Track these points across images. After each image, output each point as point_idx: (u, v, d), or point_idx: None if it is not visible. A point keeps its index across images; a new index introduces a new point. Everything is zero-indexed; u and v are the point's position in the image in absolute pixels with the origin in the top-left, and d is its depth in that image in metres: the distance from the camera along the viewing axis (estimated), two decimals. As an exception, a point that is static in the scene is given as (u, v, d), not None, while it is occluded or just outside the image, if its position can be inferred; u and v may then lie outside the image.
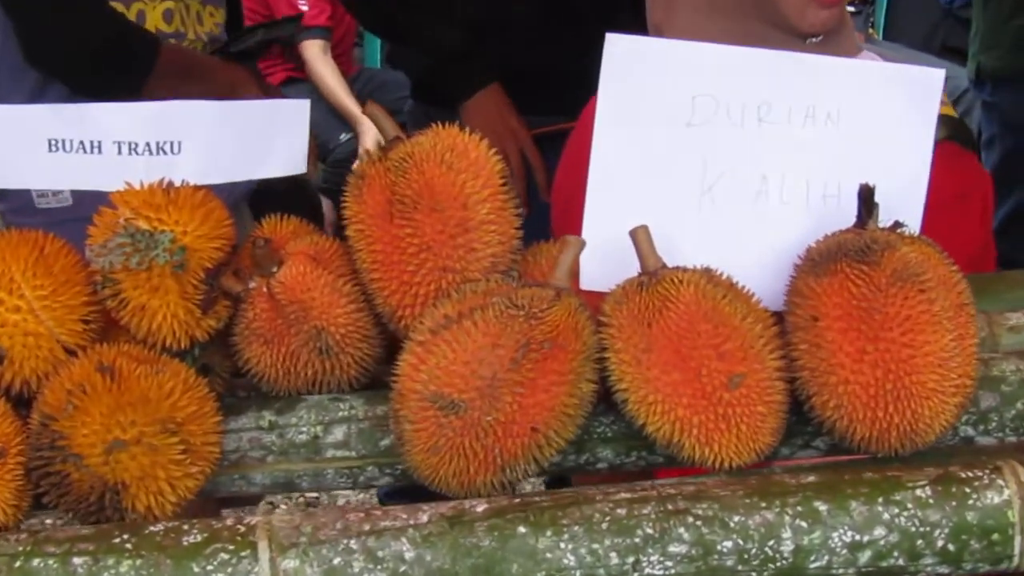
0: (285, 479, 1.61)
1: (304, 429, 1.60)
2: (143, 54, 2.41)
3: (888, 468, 1.45)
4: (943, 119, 2.24)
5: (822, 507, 1.38)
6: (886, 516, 1.38)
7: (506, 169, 1.61)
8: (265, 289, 1.58)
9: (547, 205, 2.58)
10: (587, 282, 1.63)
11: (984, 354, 1.66)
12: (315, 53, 6.27)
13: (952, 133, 2.28)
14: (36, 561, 1.36)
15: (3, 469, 1.47)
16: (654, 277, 1.51)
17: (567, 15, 3.02)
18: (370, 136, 6.18)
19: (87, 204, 1.56)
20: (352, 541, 1.36)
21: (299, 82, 6.38)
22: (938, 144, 2.20)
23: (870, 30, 6.25)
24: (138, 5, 2.47)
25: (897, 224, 1.56)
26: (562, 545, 1.37)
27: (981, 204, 2.35)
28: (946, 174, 2.25)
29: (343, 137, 6.34)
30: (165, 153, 1.57)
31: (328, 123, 6.34)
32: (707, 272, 1.53)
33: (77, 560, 1.36)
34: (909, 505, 1.39)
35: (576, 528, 1.37)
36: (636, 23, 2.42)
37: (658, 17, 2.27)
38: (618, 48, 1.63)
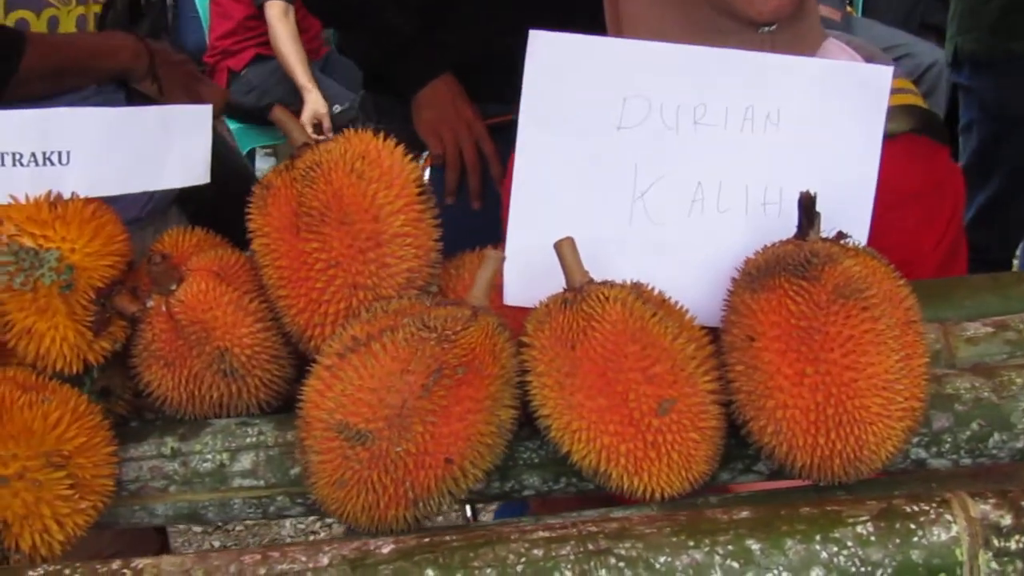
0: (189, 510, 1.51)
1: (209, 456, 1.50)
2: (3, 53, 2.29)
3: (828, 500, 1.35)
4: (912, 110, 2.14)
5: (755, 546, 1.28)
6: (824, 555, 1.27)
7: (422, 178, 1.50)
8: (164, 308, 1.48)
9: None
10: (511, 298, 1.53)
11: (938, 370, 1.56)
12: (275, 14, 6.12)
13: (920, 126, 2.17)
14: (-96, 611, 1.26)
15: None
16: (579, 294, 1.41)
17: (521, 1, 2.91)
18: (308, 112, 6.09)
19: None
20: (246, 587, 1.26)
21: (267, 60, 6.25)
22: (905, 136, 2.11)
23: (848, 7, 6.13)
24: (50, 11, 2.36)
25: (841, 235, 1.45)
26: (473, 589, 1.26)
27: (952, 201, 2.24)
28: (913, 169, 2.16)
29: (336, 108, 6.20)
30: (52, 163, 1.46)
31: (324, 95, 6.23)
32: (636, 288, 1.43)
33: (-52, 610, 1.26)
34: (849, 543, 1.28)
35: (488, 571, 1.27)
36: (594, 9, 2.33)
37: (612, 8, 2.17)
38: (542, 46, 1.52)
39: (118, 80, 2.48)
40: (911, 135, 2.15)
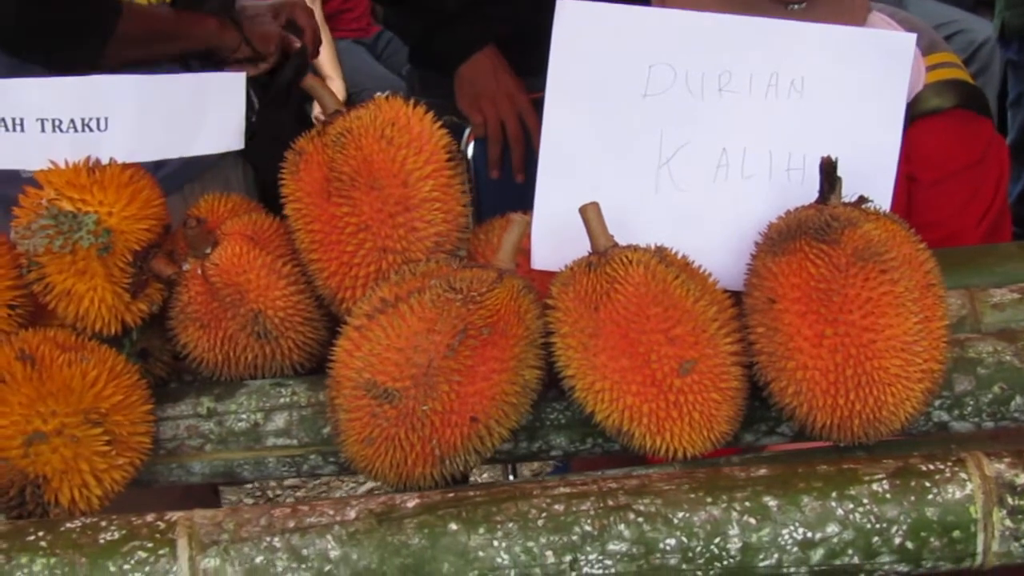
0: (225, 468, 1.55)
1: (244, 416, 1.53)
2: (97, 22, 2.32)
3: (845, 460, 1.37)
4: (957, 85, 2.16)
5: (772, 503, 1.30)
6: (840, 512, 1.30)
7: (452, 144, 1.53)
8: (199, 271, 1.52)
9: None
10: (538, 262, 1.56)
11: (962, 335, 1.57)
12: None
13: (964, 100, 2.18)
14: (-54, 560, 1.30)
15: (-78, 463, 1.41)
16: (603, 257, 1.44)
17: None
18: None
19: None
20: (276, 539, 1.29)
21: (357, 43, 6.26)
22: (951, 112, 2.12)
23: (902, -18, 6.08)
24: None
25: (862, 199, 1.47)
26: (495, 543, 1.29)
27: (997, 171, 2.26)
28: (959, 142, 2.17)
29: (379, 95, 6.19)
30: (91, 130, 1.50)
31: (362, 83, 6.23)
32: (660, 251, 1.45)
33: (-11, 559, 1.30)
34: (865, 500, 1.30)
35: (511, 525, 1.30)
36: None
37: None
38: (569, 14, 1.54)
39: (206, 55, 2.49)
40: (956, 110, 2.17)
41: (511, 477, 3.11)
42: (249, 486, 4.24)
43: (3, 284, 1.48)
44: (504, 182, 3.07)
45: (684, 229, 1.54)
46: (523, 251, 1.55)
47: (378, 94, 4.72)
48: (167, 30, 2.40)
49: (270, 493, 4.28)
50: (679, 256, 1.47)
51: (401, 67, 3.52)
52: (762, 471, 1.35)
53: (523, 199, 1.59)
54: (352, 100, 6.04)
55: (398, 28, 3.40)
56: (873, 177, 1.52)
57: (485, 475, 3.87)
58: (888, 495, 1.30)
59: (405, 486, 1.41)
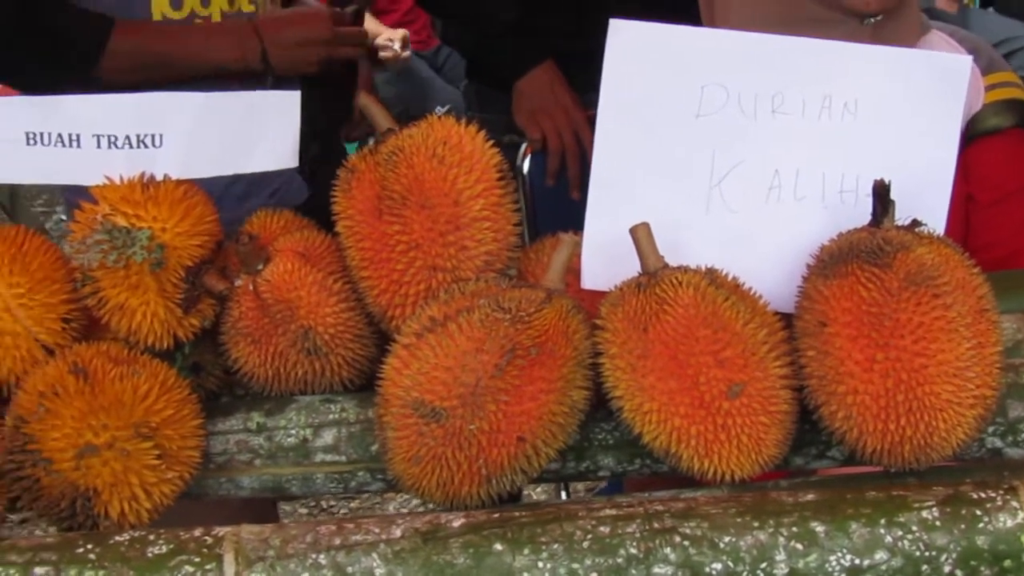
0: (273, 484, 1.55)
1: (293, 432, 1.54)
2: (87, 38, 2.33)
3: (895, 486, 1.36)
4: (1015, 104, 2.14)
5: (819, 528, 1.29)
6: (888, 539, 1.29)
7: (503, 164, 1.53)
8: (251, 287, 1.53)
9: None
10: (588, 281, 1.56)
11: (1017, 359, 1.56)
12: None
13: (1024, 120, 2.17)
14: (-3, 571, 1.32)
15: (-25, 472, 1.43)
16: (653, 278, 1.43)
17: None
18: None
19: None
20: (321, 556, 1.30)
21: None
22: (1008, 131, 2.11)
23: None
24: None
25: (915, 222, 1.46)
26: (540, 564, 1.29)
27: None
28: (1018, 162, 2.15)
29: (439, 111, 6.21)
30: (146, 146, 1.51)
31: (422, 96, 6.25)
32: (710, 273, 1.45)
33: (39, 570, 1.31)
34: (914, 527, 1.29)
35: (556, 546, 1.30)
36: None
37: (709, 4, 2.18)
38: (622, 34, 1.54)
39: (228, 76, 2.48)
40: (1015, 130, 2.15)
41: (563, 494, 3.11)
42: (303, 498, 4.27)
43: (58, 298, 1.50)
44: (559, 198, 3.07)
45: (735, 250, 1.53)
46: (573, 270, 1.55)
47: (437, 108, 4.75)
48: (164, 49, 2.37)
49: (324, 504, 4.30)
50: (730, 278, 1.46)
51: (460, 80, 3.52)
52: (810, 496, 1.34)
53: (579, 215, 1.59)
54: (410, 113, 6.08)
55: (457, 42, 3.42)
56: (927, 200, 1.51)
57: (539, 489, 3.87)
58: (938, 522, 1.29)
59: (452, 505, 1.42)
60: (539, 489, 3.87)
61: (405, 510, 4.12)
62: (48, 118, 1.50)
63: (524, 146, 3.08)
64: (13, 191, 6.46)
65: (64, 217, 2.42)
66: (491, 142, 1.54)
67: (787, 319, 1.47)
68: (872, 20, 2.00)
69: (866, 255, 1.39)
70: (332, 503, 4.31)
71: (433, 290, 1.49)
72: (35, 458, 1.40)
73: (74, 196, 1.52)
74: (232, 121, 1.56)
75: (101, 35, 2.35)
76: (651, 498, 1.38)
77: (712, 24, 2.17)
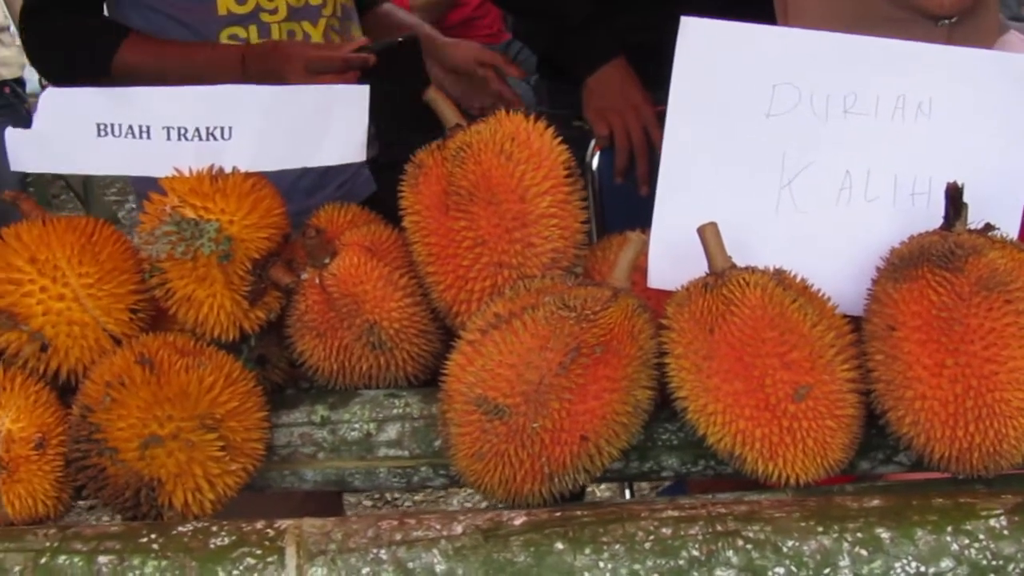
0: (337, 477, 1.56)
1: (357, 426, 1.54)
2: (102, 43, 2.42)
3: (963, 493, 1.34)
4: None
5: (884, 534, 1.28)
6: (955, 547, 1.27)
7: (571, 160, 1.52)
8: (317, 281, 1.53)
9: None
10: (655, 280, 1.55)
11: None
12: None
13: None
14: (62, 559, 1.33)
15: (42, 460, 1.45)
16: (720, 278, 1.42)
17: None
18: None
19: None
20: (382, 551, 1.30)
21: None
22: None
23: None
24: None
25: (988, 226, 1.44)
26: (601, 564, 1.29)
27: None
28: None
29: None
30: (215, 138, 1.52)
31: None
32: (778, 274, 1.43)
33: (102, 559, 1.32)
34: (981, 536, 1.27)
35: (617, 547, 1.29)
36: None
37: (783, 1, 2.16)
38: (693, 31, 1.53)
39: None
40: None
41: (628, 493, 3.09)
42: (368, 490, 4.28)
43: (126, 288, 1.51)
44: (628, 195, 3.05)
45: (804, 251, 1.51)
46: (640, 269, 1.54)
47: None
48: (161, 66, 2.38)
49: (388, 496, 4.31)
50: (798, 279, 1.45)
51: (531, 74, 3.52)
52: (875, 502, 1.32)
53: (647, 212, 1.58)
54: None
55: (527, 38, 3.41)
56: (1001, 203, 1.49)
57: (603, 487, 3.86)
58: (1006, 531, 1.27)
59: (514, 502, 1.41)
60: (603, 487, 3.85)
61: (469, 504, 4.13)
62: (119, 109, 1.51)
63: (593, 143, 3.07)
64: (87, 180, 6.54)
65: (136, 206, 2.47)
66: (559, 138, 1.53)
67: (856, 322, 1.45)
68: (947, 21, 1.98)
69: (937, 259, 1.38)
70: (396, 496, 4.32)
71: (499, 287, 1.49)
72: (101, 447, 1.41)
73: (144, 186, 1.52)
74: (300, 114, 1.56)
75: (111, 47, 2.41)
76: (714, 500, 1.37)
77: (786, 21, 2.15)
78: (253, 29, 2.40)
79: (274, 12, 2.40)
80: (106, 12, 2.53)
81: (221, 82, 1.52)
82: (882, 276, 1.43)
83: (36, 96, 4.12)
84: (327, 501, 2.28)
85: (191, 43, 2.41)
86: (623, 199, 3.05)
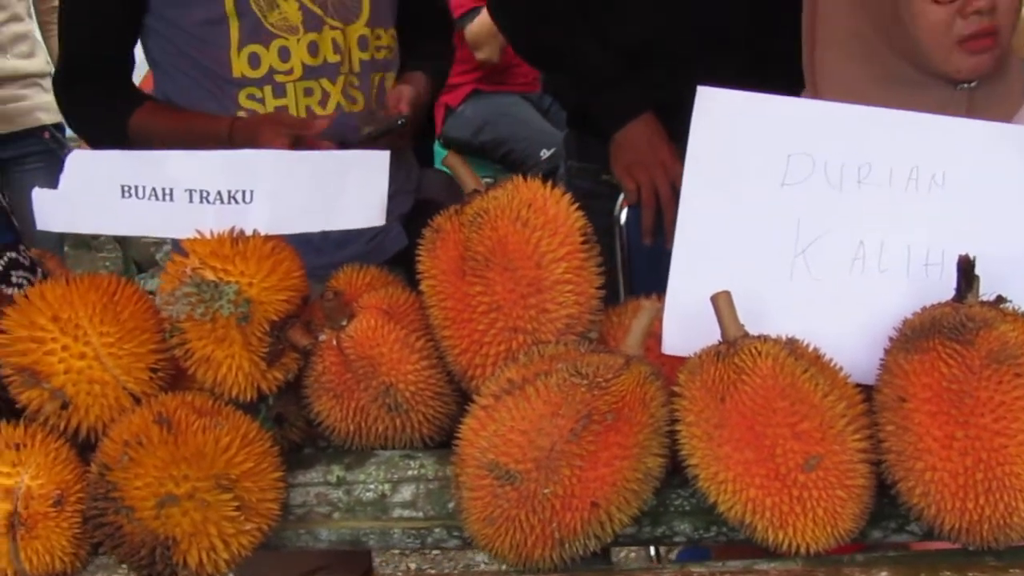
0: (351, 537, 1.57)
1: (372, 486, 1.56)
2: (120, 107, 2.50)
3: (973, 566, 1.34)
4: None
5: (892, 607, 1.28)
6: (963, 620, 1.27)
7: (587, 227, 1.54)
8: (334, 343, 1.55)
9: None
10: (669, 347, 1.56)
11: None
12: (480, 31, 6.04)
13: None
14: (75, 618, 1.35)
15: (60, 517, 1.47)
16: (732, 347, 1.43)
17: (722, 43, 2.93)
18: None
19: None
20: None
21: (485, 95, 6.31)
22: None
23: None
24: (279, 42, 2.44)
25: (1000, 299, 1.45)
26: (608, 632, 1.29)
27: None
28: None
29: (544, 153, 6.19)
30: (236, 202, 1.55)
31: (529, 138, 6.24)
32: (790, 343, 1.44)
33: (116, 618, 1.34)
34: (989, 609, 1.28)
35: (624, 615, 1.30)
36: (791, 53, 2.33)
37: (811, 59, 2.18)
38: (709, 101, 1.55)
39: None
40: None
41: (652, 551, 3.09)
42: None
43: (146, 347, 1.53)
44: (657, 249, 3.06)
45: (818, 319, 1.52)
46: (655, 334, 1.55)
47: (542, 152, 4.70)
48: (176, 134, 2.42)
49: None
50: (810, 348, 1.46)
51: (562, 128, 3.53)
52: (884, 572, 1.34)
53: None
54: (516, 155, 6.09)
55: (557, 92, 3.42)
56: (1013, 276, 1.49)
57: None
58: (1014, 606, 1.27)
59: (525, 567, 1.42)
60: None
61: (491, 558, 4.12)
62: (143, 172, 1.54)
63: (621, 198, 3.08)
64: (125, 223, 6.56)
65: (173, 251, 2.50)
66: (585, 195, 1.54)
67: (868, 391, 1.46)
68: (966, 86, 1.99)
69: (948, 331, 1.38)
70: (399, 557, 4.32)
71: (513, 351, 1.50)
72: (118, 505, 1.43)
73: (178, 236, 1.56)
74: (321, 178, 1.59)
75: (127, 113, 2.48)
76: (723, 568, 1.38)
77: (813, 81, 2.17)
78: (268, 90, 2.43)
79: (289, 72, 2.43)
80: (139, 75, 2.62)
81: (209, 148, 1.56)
82: (894, 347, 1.44)
83: (76, 141, 4.19)
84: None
85: (193, 113, 2.45)
86: (652, 253, 3.06)
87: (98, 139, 1.56)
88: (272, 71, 2.44)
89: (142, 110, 2.47)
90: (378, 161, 1.60)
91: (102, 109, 2.49)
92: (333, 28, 2.47)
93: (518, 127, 6.39)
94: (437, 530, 1.55)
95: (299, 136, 2.26)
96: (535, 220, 1.51)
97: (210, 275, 1.49)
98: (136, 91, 2.60)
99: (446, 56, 2.94)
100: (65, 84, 2.59)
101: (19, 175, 4.11)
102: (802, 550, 1.41)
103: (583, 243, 1.53)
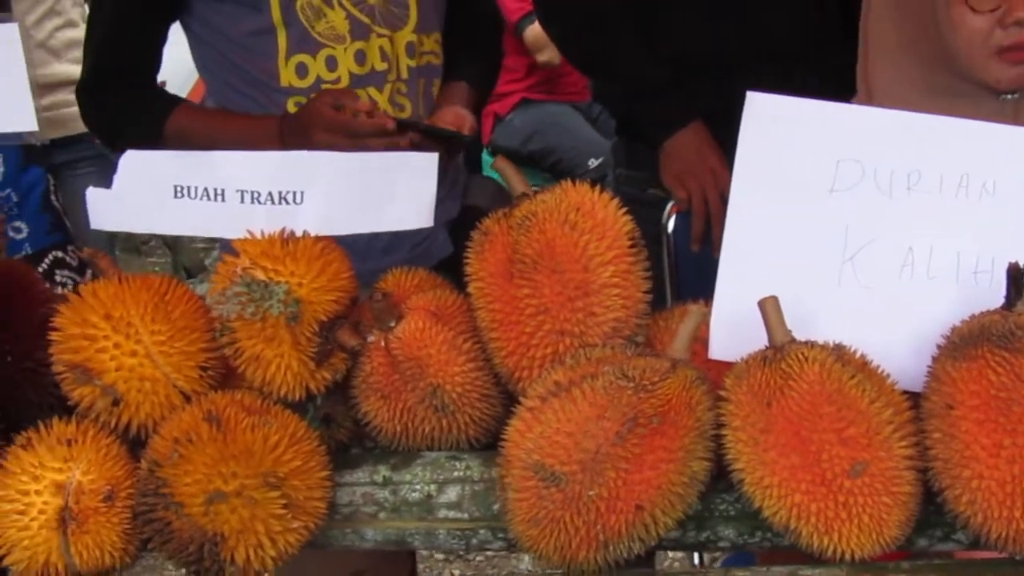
0: (397, 537, 1.58)
1: (418, 487, 1.57)
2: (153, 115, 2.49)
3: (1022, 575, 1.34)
4: None
5: (936, 614, 1.28)
6: (1007, 629, 1.27)
7: (635, 231, 1.54)
8: (382, 344, 1.56)
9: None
10: (716, 352, 1.56)
11: None
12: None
13: None
14: (123, 611, 1.37)
15: (111, 512, 1.49)
16: (779, 352, 1.43)
17: (771, 51, 2.92)
18: None
19: None
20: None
21: (534, 104, 6.32)
22: None
23: None
24: (326, 51, 2.46)
25: (1050, 307, 1.44)
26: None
27: None
28: None
29: (592, 163, 6.17)
30: (287, 203, 1.56)
31: (577, 147, 6.24)
32: (838, 349, 1.44)
33: (164, 612, 1.36)
34: (1034, 619, 1.27)
35: (668, 617, 1.30)
36: (839, 62, 2.33)
37: (865, 68, 2.18)
38: (759, 107, 1.55)
39: None
40: None
41: (696, 556, 3.08)
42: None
43: (197, 346, 1.55)
44: (704, 257, 3.06)
45: (865, 326, 1.52)
46: (701, 339, 1.55)
47: (590, 161, 4.70)
48: (218, 134, 2.43)
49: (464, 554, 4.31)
50: (857, 355, 1.46)
51: (613, 133, 3.52)
52: (928, 581, 1.32)
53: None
54: (564, 164, 6.09)
55: (606, 100, 3.43)
56: (1064, 284, 1.49)
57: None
58: (1059, 615, 1.27)
59: (569, 569, 1.43)
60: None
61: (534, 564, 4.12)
62: (195, 172, 1.55)
63: (669, 206, 3.07)
64: (175, 228, 6.61)
65: (223, 255, 2.54)
66: (633, 203, 1.55)
67: (915, 398, 1.46)
68: (1009, 97, 1.99)
69: (997, 339, 1.38)
70: (468, 554, 4.32)
71: (560, 354, 1.51)
72: (167, 501, 1.45)
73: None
74: (371, 180, 1.60)
75: (163, 115, 2.47)
76: (768, 573, 1.38)
77: (868, 89, 2.16)
78: None
79: (336, 82, 2.43)
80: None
81: (260, 149, 1.57)
82: (942, 354, 1.44)
83: (124, 145, 4.23)
84: (396, 551, 2.30)
85: (235, 114, 2.46)
86: (699, 261, 3.05)
87: (129, 147, 1.57)
88: (319, 80, 2.45)
89: (178, 113, 2.47)
90: (427, 163, 1.61)
91: (134, 115, 2.48)
92: (380, 36, 2.47)
93: (566, 136, 6.39)
94: (482, 531, 1.56)
95: (353, 130, 2.25)
96: (583, 223, 1.52)
97: (261, 275, 1.51)
98: (166, 95, 2.60)
99: (494, 61, 2.93)
100: (92, 92, 2.57)
101: (71, 180, 4.13)
102: (847, 556, 1.41)
103: (631, 247, 1.54)
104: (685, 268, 3.12)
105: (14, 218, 2.77)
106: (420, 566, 4.20)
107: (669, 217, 3.11)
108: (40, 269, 2.74)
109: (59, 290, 2.71)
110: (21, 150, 2.82)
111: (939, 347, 1.46)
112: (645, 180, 3.08)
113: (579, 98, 6.47)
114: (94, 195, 1.60)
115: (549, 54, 6.20)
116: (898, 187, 1.53)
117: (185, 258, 7.15)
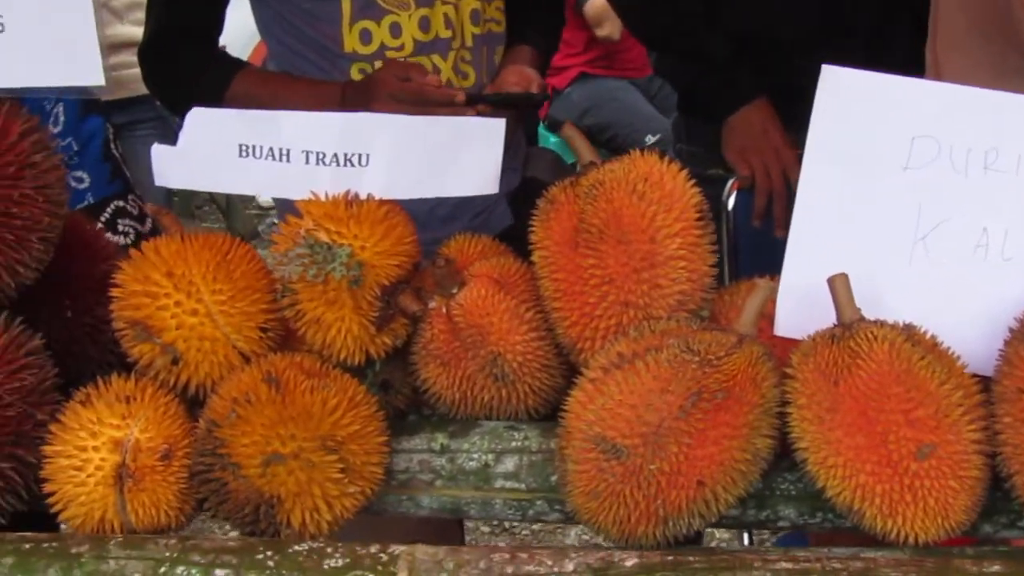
0: (452, 505, 1.57)
1: (475, 456, 1.55)
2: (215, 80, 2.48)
3: (1089, 564, 1.31)
4: None
5: (1002, 601, 1.25)
6: (1076, 619, 1.24)
7: (703, 203, 1.52)
8: (444, 310, 1.54)
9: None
10: (782, 328, 1.53)
11: None
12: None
13: None
14: (180, 569, 1.36)
15: (168, 471, 1.48)
16: (848, 330, 1.41)
17: (840, 28, 2.89)
18: None
19: None
20: (492, 583, 1.31)
21: (592, 78, 6.29)
22: None
23: None
24: (391, 18, 2.44)
25: None
26: (711, 612, 1.28)
27: None
28: None
29: (649, 139, 6.13)
30: (352, 165, 1.55)
31: (633, 124, 6.21)
32: (908, 329, 1.41)
33: (219, 572, 1.36)
34: (1104, 609, 1.24)
35: (727, 595, 1.28)
36: (912, 40, 2.30)
37: (934, 49, 2.14)
38: (834, 81, 1.52)
39: None
40: None
41: (746, 538, 3.07)
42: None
43: (257, 307, 1.54)
44: (763, 235, 3.03)
45: (936, 306, 1.49)
46: (767, 316, 1.53)
47: (647, 138, 4.67)
48: (269, 96, 2.41)
49: (506, 524, 4.31)
50: (928, 335, 1.43)
51: (672, 110, 3.50)
52: (996, 567, 1.30)
53: (781, 254, 1.57)
54: (620, 139, 6.06)
55: (669, 75, 3.40)
56: None
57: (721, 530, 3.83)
58: None
59: (627, 543, 1.41)
60: (721, 530, 3.82)
61: (586, 538, 4.12)
62: (261, 132, 1.54)
63: (731, 182, 3.05)
64: (229, 194, 6.64)
65: (276, 222, 2.54)
66: (693, 179, 1.53)
67: (986, 382, 1.43)
68: None
69: (1072, 323, 1.35)
70: (513, 524, 4.32)
71: (623, 326, 1.49)
72: (224, 462, 1.44)
73: (287, 205, 1.55)
74: (436, 145, 1.58)
75: (226, 78, 2.47)
76: (830, 555, 1.35)
77: (935, 67, 2.13)
78: (379, 65, 2.42)
79: (400, 49, 2.42)
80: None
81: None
82: (1015, 337, 1.41)
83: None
84: (445, 524, 2.29)
85: (299, 78, 2.45)
86: (758, 240, 3.03)
87: (188, 109, 1.56)
88: (383, 47, 2.44)
89: (241, 77, 2.47)
90: (494, 129, 1.60)
91: (196, 77, 2.47)
92: (445, 3, 2.46)
93: (623, 112, 6.37)
94: (539, 502, 1.55)
95: (406, 96, 2.24)
96: (651, 194, 1.49)
97: (324, 237, 1.49)
98: (228, 57, 2.60)
99: (555, 26, 2.90)
100: (154, 54, 2.56)
101: (131, 141, 4.13)
102: (911, 540, 1.38)
103: (698, 219, 1.51)
104: (744, 246, 3.09)
105: (75, 167, 2.76)
106: (468, 538, 4.20)
107: (729, 194, 3.08)
108: (102, 219, 2.74)
109: (121, 240, 2.72)
110: (80, 100, 2.81)
111: (1011, 330, 1.43)
112: (706, 158, 3.06)
113: (638, 74, 6.46)
114: (159, 152, 1.59)
115: (609, 28, 6.18)
116: (974, 166, 1.49)
117: (239, 224, 7.18)
